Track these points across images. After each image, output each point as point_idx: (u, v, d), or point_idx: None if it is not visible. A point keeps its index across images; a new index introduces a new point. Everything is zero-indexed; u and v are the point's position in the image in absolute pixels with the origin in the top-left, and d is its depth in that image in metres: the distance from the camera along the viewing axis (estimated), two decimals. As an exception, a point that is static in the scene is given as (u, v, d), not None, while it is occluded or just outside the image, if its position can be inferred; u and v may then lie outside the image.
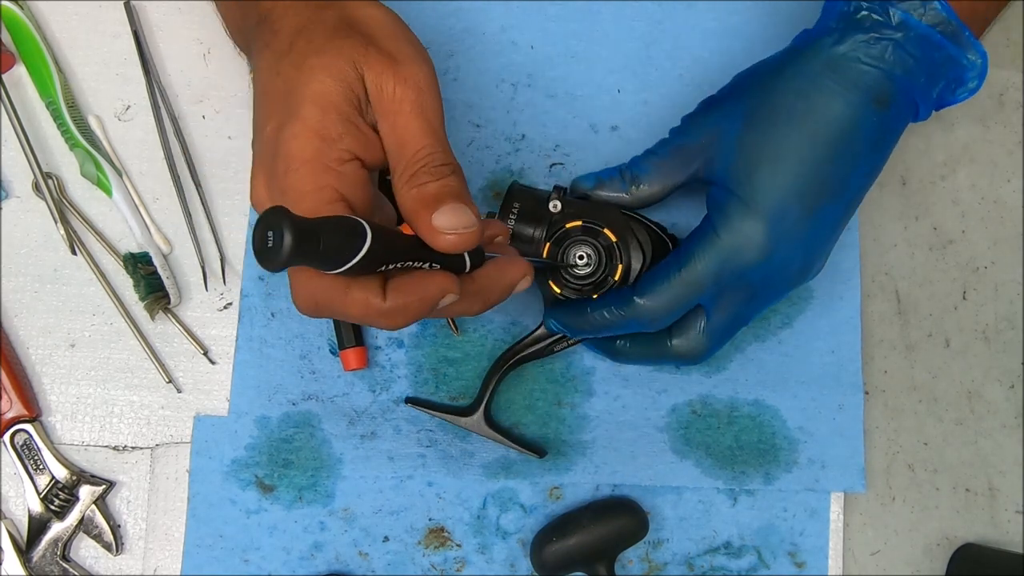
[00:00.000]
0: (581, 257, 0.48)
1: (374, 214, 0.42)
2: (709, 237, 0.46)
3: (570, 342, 0.52)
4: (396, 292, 0.37)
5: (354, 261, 0.33)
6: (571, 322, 0.50)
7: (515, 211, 0.49)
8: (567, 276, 0.49)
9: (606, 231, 0.48)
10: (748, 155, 0.46)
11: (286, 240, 0.30)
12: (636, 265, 0.49)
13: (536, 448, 0.52)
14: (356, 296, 0.36)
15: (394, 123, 0.40)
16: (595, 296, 0.49)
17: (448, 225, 0.37)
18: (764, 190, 0.45)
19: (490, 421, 0.52)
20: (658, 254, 0.49)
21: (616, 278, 0.48)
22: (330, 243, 0.32)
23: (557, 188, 0.49)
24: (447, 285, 0.38)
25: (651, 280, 0.47)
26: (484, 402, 0.51)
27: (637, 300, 0.47)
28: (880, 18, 0.44)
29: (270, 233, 0.31)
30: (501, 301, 0.42)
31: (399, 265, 0.37)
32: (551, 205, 0.49)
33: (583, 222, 0.48)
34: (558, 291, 0.49)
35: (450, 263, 0.39)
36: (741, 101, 0.47)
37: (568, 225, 0.48)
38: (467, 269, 0.40)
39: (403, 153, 0.40)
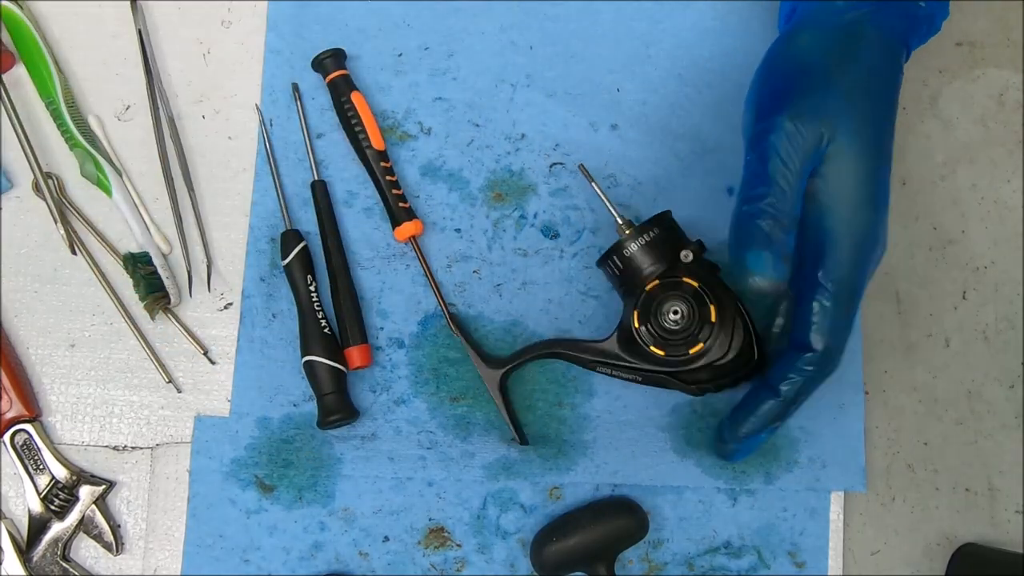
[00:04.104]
0: (675, 312, 0.47)
1: None
2: None
3: (613, 372, 0.51)
4: None
5: None
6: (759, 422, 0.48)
7: (650, 235, 0.48)
8: (664, 335, 0.48)
9: (685, 279, 0.48)
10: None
11: None
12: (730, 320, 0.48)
13: (522, 435, 0.52)
14: None
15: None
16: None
17: None
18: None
19: (504, 386, 0.52)
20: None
21: (713, 319, 0.47)
22: None
23: (700, 243, 0.49)
24: None
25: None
26: (509, 367, 0.52)
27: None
28: None
29: None
30: None
31: None
32: (683, 254, 0.48)
33: (659, 280, 0.48)
34: (662, 353, 0.48)
35: None
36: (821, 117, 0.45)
37: (648, 288, 0.48)
38: None
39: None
